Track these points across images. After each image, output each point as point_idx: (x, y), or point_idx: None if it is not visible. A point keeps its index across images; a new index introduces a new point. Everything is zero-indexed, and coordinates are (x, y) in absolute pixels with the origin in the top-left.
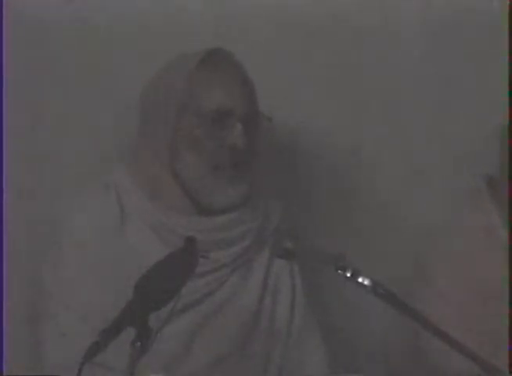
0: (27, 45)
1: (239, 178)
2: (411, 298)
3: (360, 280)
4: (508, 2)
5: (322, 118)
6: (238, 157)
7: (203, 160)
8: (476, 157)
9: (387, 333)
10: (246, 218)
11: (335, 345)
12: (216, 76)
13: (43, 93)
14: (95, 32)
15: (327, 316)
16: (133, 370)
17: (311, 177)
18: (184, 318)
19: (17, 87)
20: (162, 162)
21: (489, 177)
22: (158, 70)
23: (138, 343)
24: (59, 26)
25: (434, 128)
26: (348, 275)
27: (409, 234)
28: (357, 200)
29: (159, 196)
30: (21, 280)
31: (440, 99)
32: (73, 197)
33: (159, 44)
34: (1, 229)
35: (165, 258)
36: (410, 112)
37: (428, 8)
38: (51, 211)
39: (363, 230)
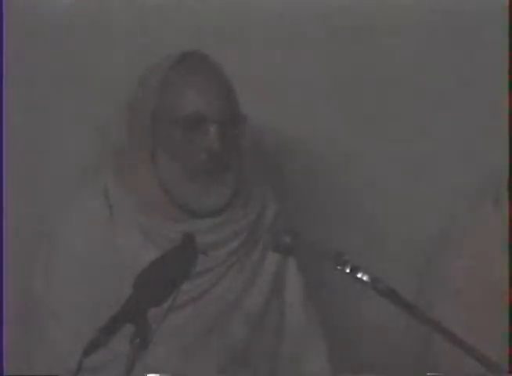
0: (27, 44)
1: (220, 181)
2: (423, 296)
3: (359, 275)
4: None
5: (322, 118)
6: (216, 160)
7: (182, 165)
8: (478, 156)
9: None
10: (235, 219)
11: (336, 341)
12: (188, 80)
13: (43, 93)
14: (95, 32)
15: (326, 312)
16: (132, 366)
17: (308, 175)
18: (178, 317)
19: (17, 87)
20: (145, 167)
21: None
22: (138, 78)
23: (137, 339)
24: (59, 25)
25: (434, 126)
26: (348, 271)
27: (415, 234)
28: (359, 200)
29: (147, 201)
30: (21, 280)
31: (440, 99)
32: (66, 201)
33: (160, 43)
34: (0, 232)
35: (164, 255)
36: (410, 111)
37: (429, 7)
38: (44, 216)
39: (364, 231)
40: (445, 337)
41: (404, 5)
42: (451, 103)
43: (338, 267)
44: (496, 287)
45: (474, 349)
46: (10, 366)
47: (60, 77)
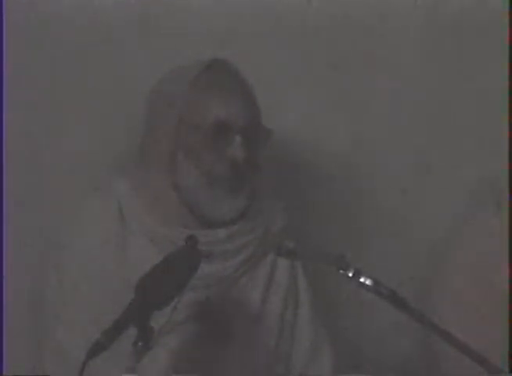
0: (27, 44)
1: (238, 191)
2: (423, 297)
3: (362, 279)
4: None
5: (323, 120)
6: (237, 169)
7: (202, 172)
8: (478, 157)
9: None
10: (249, 228)
11: (340, 345)
12: (215, 88)
13: (43, 94)
14: (95, 32)
15: (332, 316)
16: (134, 369)
17: (312, 179)
18: (188, 327)
19: (17, 87)
20: (162, 174)
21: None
22: (159, 81)
23: (140, 343)
24: (59, 25)
25: (434, 126)
26: (350, 275)
27: (416, 235)
28: (362, 201)
29: (160, 208)
30: (21, 280)
31: (440, 99)
32: (75, 206)
33: (162, 45)
34: (1, 236)
35: (167, 258)
36: (411, 113)
37: (429, 7)
38: (51, 220)
39: (366, 232)
40: (446, 339)
41: (404, 5)
42: (451, 104)
43: (341, 271)
44: (497, 288)
45: (474, 351)
46: (10, 367)
47: (68, 78)
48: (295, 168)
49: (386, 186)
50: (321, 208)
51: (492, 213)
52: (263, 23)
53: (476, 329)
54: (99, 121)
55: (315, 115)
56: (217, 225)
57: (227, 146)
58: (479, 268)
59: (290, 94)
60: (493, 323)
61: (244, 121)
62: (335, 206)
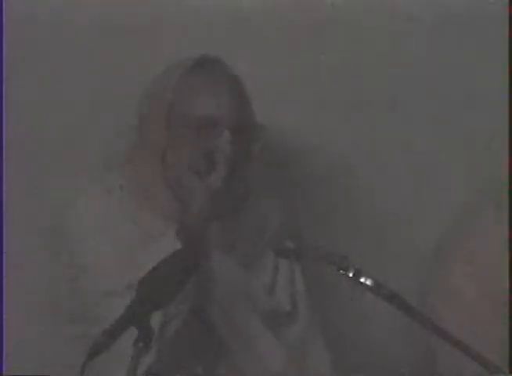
0: (27, 44)
1: (230, 187)
2: (423, 298)
3: (362, 280)
4: (508, 3)
5: (324, 119)
6: (228, 165)
7: (193, 167)
8: (480, 159)
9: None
10: (242, 225)
11: (339, 345)
12: (203, 84)
13: (43, 93)
14: (95, 32)
15: (330, 316)
16: (135, 370)
17: (311, 177)
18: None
19: (17, 87)
20: (154, 169)
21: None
22: (152, 78)
23: (141, 343)
24: (59, 26)
25: (435, 127)
26: (351, 275)
27: (416, 236)
28: (362, 201)
29: (152, 203)
30: (21, 279)
31: (440, 100)
32: (76, 198)
33: (160, 44)
34: (1, 231)
35: (167, 258)
36: (411, 113)
37: (428, 8)
38: (51, 219)
39: (366, 232)
40: (446, 339)
41: (404, 5)
42: (452, 105)
43: (341, 271)
44: (497, 288)
45: (474, 351)
46: (10, 367)
47: (68, 77)
48: (295, 167)
49: (386, 187)
50: (321, 208)
51: (492, 213)
52: (263, 22)
53: (476, 329)
54: (99, 118)
55: (315, 115)
56: (209, 220)
57: (216, 142)
58: (479, 268)
59: (290, 94)
60: (493, 323)
61: (233, 117)
62: (335, 206)
